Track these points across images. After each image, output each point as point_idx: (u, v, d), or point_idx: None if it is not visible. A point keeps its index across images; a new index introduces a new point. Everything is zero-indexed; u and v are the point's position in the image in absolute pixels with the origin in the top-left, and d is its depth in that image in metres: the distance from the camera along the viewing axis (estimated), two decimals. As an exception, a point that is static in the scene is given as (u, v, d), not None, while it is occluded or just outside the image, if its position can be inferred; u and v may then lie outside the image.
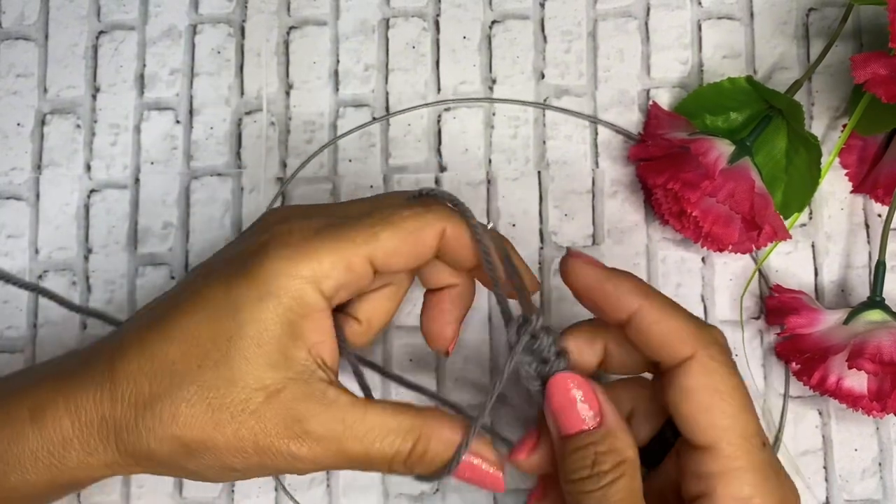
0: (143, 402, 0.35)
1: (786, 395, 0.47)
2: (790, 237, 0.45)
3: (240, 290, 0.35)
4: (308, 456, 0.34)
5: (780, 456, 0.46)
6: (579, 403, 0.34)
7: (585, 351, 0.36)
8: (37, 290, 0.46)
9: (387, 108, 0.50)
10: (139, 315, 0.38)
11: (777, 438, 0.47)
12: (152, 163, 0.50)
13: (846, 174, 0.49)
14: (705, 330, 0.33)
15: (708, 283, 0.48)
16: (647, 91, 0.50)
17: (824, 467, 0.47)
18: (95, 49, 0.51)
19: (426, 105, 0.50)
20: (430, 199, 0.38)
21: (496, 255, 0.37)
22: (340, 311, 0.40)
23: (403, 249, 0.36)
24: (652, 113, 0.48)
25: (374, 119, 0.50)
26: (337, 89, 0.51)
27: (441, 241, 0.37)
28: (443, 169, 0.50)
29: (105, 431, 0.35)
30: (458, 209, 0.38)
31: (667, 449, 0.36)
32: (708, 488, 0.32)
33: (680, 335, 0.32)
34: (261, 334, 0.34)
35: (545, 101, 0.50)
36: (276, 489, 0.47)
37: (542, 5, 0.51)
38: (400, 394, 0.47)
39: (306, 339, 0.35)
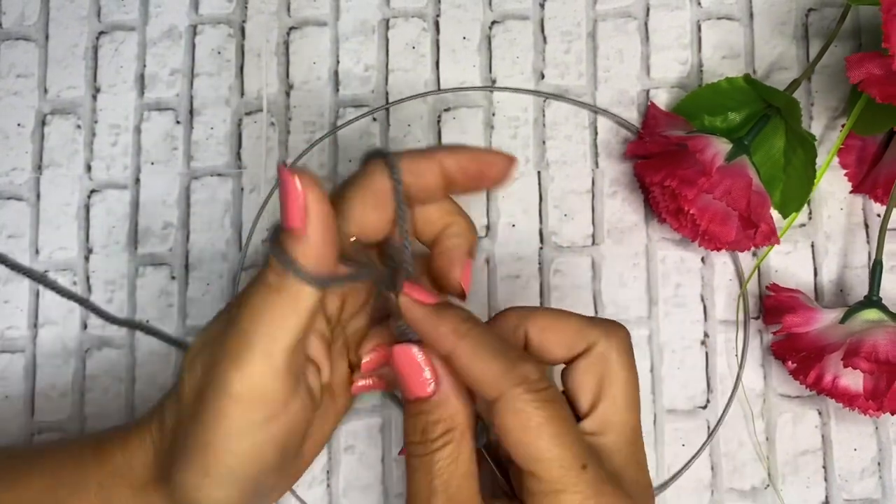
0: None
1: (735, 387, 0.47)
2: (779, 242, 0.45)
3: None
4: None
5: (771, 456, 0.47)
6: (420, 372, 0.36)
7: (510, 337, 0.38)
8: (43, 281, 0.46)
9: (387, 109, 0.50)
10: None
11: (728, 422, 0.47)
12: (152, 163, 0.50)
13: (845, 174, 0.49)
14: (513, 368, 0.34)
15: (707, 283, 0.48)
16: (647, 91, 0.50)
17: (823, 467, 0.47)
18: (96, 49, 0.51)
19: (431, 93, 0.50)
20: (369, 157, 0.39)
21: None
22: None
23: (369, 203, 0.38)
24: (650, 113, 0.48)
25: (374, 111, 0.50)
26: (337, 90, 0.51)
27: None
28: (442, 169, 0.50)
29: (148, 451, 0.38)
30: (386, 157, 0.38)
31: None
32: None
33: (486, 378, 0.34)
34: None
35: (545, 101, 0.50)
36: (275, 489, 0.47)
37: (542, 5, 0.51)
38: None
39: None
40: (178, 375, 0.38)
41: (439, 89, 0.50)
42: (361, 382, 0.41)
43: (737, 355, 0.48)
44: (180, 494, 0.36)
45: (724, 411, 0.47)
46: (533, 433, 0.33)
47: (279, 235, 0.34)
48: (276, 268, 0.34)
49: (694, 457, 0.47)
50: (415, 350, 0.36)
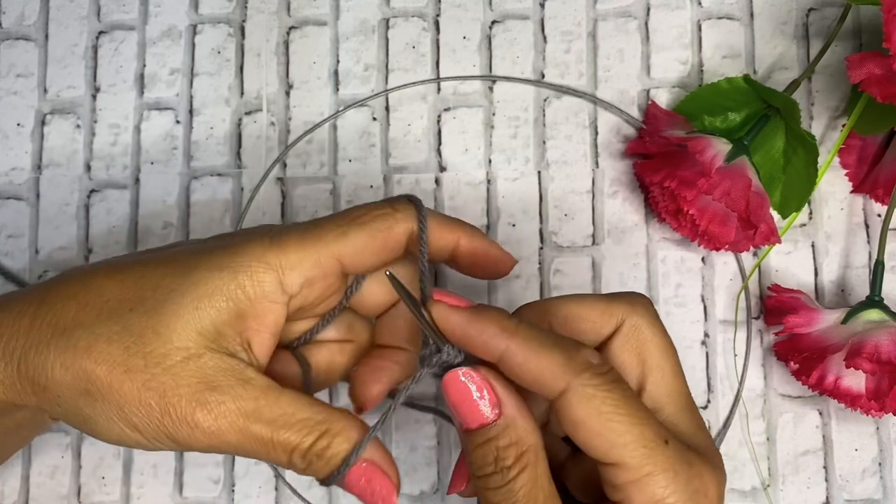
0: (64, 325, 0.35)
1: (741, 387, 0.47)
2: (780, 241, 0.45)
3: (204, 256, 0.36)
4: (210, 427, 0.34)
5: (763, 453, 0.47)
6: (475, 396, 0.33)
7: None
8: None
9: (387, 108, 0.50)
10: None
11: (724, 429, 0.47)
12: (152, 163, 0.50)
13: (846, 174, 0.49)
14: (574, 356, 0.32)
15: (708, 283, 0.48)
16: (647, 91, 0.50)
17: (824, 467, 0.47)
18: (95, 49, 0.51)
19: (431, 80, 0.50)
20: (401, 201, 0.39)
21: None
22: (295, 351, 0.40)
23: (372, 247, 0.37)
24: (650, 112, 0.48)
25: (372, 97, 0.50)
26: (337, 89, 0.51)
27: (410, 240, 0.38)
28: (443, 169, 0.50)
29: (11, 348, 0.35)
30: (418, 212, 0.38)
31: None
32: (624, 498, 0.32)
33: (549, 371, 0.32)
34: (202, 299, 0.35)
35: (545, 101, 0.50)
36: (276, 489, 0.47)
37: (542, 5, 0.51)
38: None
39: (243, 320, 0.35)
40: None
41: (439, 77, 0.50)
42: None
43: (736, 355, 0.48)
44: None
45: (730, 414, 0.47)
46: (609, 418, 0.31)
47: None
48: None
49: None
50: (466, 375, 0.33)
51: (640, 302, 0.35)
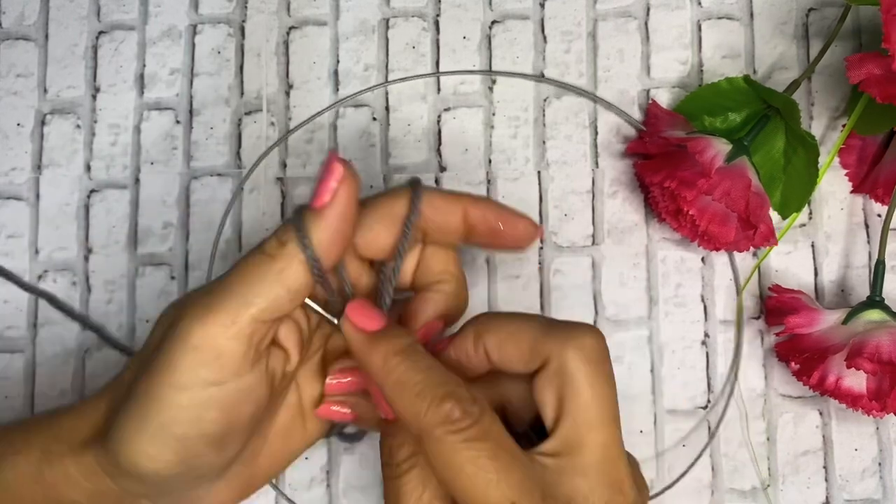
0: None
1: (732, 389, 0.47)
2: (776, 243, 0.45)
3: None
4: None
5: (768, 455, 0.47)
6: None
7: (471, 352, 0.36)
8: (43, 295, 0.46)
9: (387, 108, 0.50)
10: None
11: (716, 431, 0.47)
12: (152, 163, 0.50)
13: (846, 174, 0.49)
14: (435, 409, 0.33)
15: (708, 283, 0.48)
16: (647, 91, 0.50)
17: (824, 467, 0.47)
18: (95, 49, 0.51)
19: (431, 74, 0.50)
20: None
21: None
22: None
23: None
24: (651, 112, 0.48)
25: (372, 88, 0.50)
26: (337, 89, 0.51)
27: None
28: (443, 169, 0.50)
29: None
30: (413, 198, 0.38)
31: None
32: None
33: (408, 418, 0.33)
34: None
35: (545, 101, 0.50)
36: (275, 489, 0.47)
37: (542, 5, 0.51)
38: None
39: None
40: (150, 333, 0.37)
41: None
42: (334, 408, 0.39)
43: (734, 356, 0.48)
44: (113, 447, 0.34)
45: (722, 415, 0.47)
46: (455, 471, 0.32)
47: (301, 210, 0.35)
48: (280, 236, 0.34)
49: (693, 462, 0.47)
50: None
51: (576, 342, 0.34)
